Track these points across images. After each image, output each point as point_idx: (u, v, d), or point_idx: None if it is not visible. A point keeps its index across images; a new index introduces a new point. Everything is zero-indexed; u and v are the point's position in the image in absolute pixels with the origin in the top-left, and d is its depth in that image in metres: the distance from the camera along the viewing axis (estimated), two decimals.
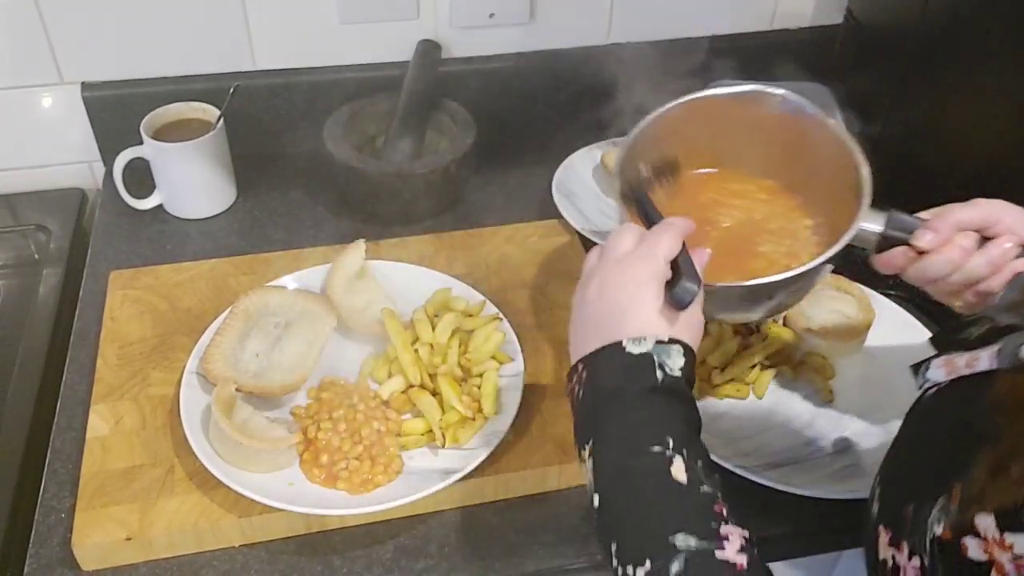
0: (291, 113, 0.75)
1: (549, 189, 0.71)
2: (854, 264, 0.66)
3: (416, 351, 0.55)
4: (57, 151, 0.74)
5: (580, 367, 0.38)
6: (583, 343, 0.38)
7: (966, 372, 0.35)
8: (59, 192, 0.74)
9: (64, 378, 0.57)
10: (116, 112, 0.71)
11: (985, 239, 0.42)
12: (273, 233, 0.70)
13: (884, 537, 0.35)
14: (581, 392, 0.38)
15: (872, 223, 0.43)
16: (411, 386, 0.53)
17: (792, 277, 0.42)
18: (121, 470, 0.50)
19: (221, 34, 0.71)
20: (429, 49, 0.73)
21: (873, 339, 0.60)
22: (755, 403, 0.57)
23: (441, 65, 0.74)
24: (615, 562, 0.34)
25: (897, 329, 0.60)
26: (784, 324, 0.61)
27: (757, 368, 0.58)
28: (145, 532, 0.47)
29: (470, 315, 0.58)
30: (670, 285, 0.38)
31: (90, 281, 0.64)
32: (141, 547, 0.47)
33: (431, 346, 0.55)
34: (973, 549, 0.30)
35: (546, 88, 0.78)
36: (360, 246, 0.62)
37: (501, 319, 0.57)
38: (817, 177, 0.48)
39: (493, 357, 0.55)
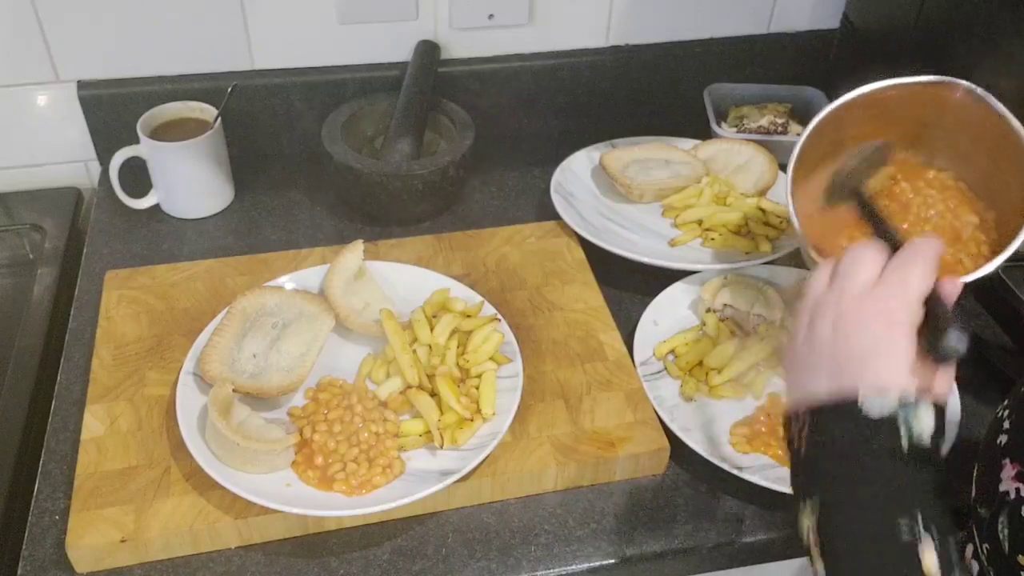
0: (289, 113, 0.75)
1: (547, 190, 0.71)
2: None
3: (414, 352, 0.54)
4: (53, 150, 0.73)
5: (803, 417, 0.33)
6: (809, 384, 0.33)
7: None
8: (54, 191, 0.73)
9: (59, 378, 0.57)
10: (112, 111, 0.71)
11: None
12: (271, 233, 0.70)
13: (1010, 470, 0.32)
14: (803, 448, 0.33)
15: None
16: (409, 387, 0.53)
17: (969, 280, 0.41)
18: (116, 471, 0.50)
19: (219, 33, 0.70)
20: (428, 50, 0.73)
21: None
22: (753, 404, 0.57)
23: (440, 66, 0.74)
24: None
25: None
26: (781, 326, 0.61)
27: (756, 369, 0.58)
28: (140, 534, 0.47)
29: (468, 316, 0.58)
30: (925, 331, 0.32)
31: (85, 281, 0.64)
32: (136, 549, 0.47)
33: (429, 347, 0.55)
34: None
35: (545, 89, 0.78)
36: (358, 246, 0.62)
37: (499, 320, 0.57)
38: (991, 162, 0.47)
39: (491, 358, 0.55)
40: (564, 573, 0.48)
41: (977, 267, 0.45)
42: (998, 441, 0.35)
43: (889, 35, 0.73)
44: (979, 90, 0.46)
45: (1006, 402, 0.37)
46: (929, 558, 0.29)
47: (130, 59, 0.70)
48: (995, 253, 0.45)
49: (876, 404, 0.31)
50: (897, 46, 0.72)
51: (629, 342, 0.59)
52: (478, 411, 0.52)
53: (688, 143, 0.77)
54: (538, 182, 0.75)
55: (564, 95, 0.79)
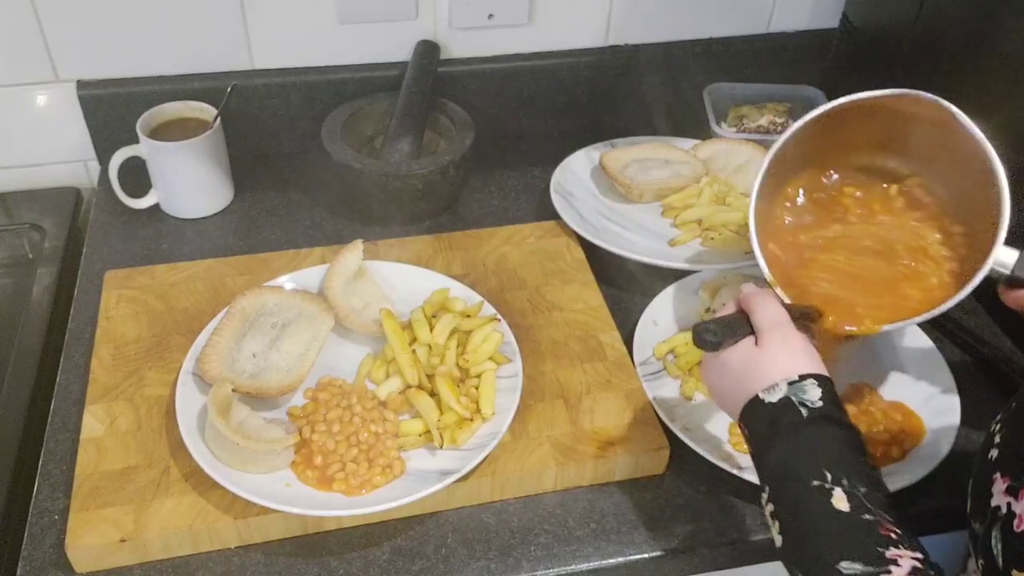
0: (289, 113, 0.75)
1: (547, 190, 0.71)
2: None
3: (414, 352, 0.54)
4: (52, 149, 0.73)
5: (742, 426, 0.42)
6: (732, 407, 0.43)
7: None
8: (54, 191, 0.73)
9: (58, 378, 0.57)
10: (112, 111, 0.71)
11: None
12: (270, 233, 0.70)
13: (1000, 484, 0.36)
14: (752, 447, 0.41)
15: (1005, 259, 0.44)
16: (409, 387, 0.53)
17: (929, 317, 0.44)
18: (116, 471, 0.50)
19: (219, 33, 0.70)
20: (428, 50, 0.73)
21: (876, 346, 0.60)
22: None
23: (440, 66, 0.74)
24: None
25: (897, 332, 0.61)
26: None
27: None
28: (140, 534, 0.47)
29: (468, 316, 0.58)
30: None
31: (85, 281, 0.64)
32: (136, 549, 0.47)
33: (429, 347, 0.55)
34: None
35: (544, 89, 0.78)
36: (358, 246, 0.62)
37: (499, 320, 0.57)
38: (953, 187, 0.48)
39: (491, 358, 0.55)
40: (564, 573, 0.48)
41: (943, 283, 0.46)
42: (990, 456, 0.37)
43: (888, 35, 0.73)
44: (944, 103, 0.47)
45: (999, 416, 0.39)
46: (840, 503, 0.35)
47: (130, 59, 0.70)
48: (963, 267, 0.46)
49: (771, 396, 0.40)
50: (896, 46, 0.72)
51: (629, 342, 0.59)
52: (478, 411, 0.52)
53: (688, 143, 0.77)
54: (538, 182, 0.75)
55: (564, 95, 0.79)
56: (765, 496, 0.39)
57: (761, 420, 0.40)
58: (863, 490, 0.36)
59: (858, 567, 0.33)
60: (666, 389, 0.57)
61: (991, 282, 0.46)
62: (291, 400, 0.54)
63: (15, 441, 0.53)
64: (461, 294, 0.60)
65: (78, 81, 0.70)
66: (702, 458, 0.52)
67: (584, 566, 0.49)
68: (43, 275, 0.65)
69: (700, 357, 0.58)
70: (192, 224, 0.70)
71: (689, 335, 0.59)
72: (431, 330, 0.56)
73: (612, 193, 0.73)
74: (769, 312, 0.43)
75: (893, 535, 0.35)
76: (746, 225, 0.68)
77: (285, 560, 0.48)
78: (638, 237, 0.69)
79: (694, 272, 0.64)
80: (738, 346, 0.43)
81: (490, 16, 0.74)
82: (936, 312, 0.45)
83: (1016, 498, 0.34)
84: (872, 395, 0.56)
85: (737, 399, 0.42)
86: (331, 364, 0.56)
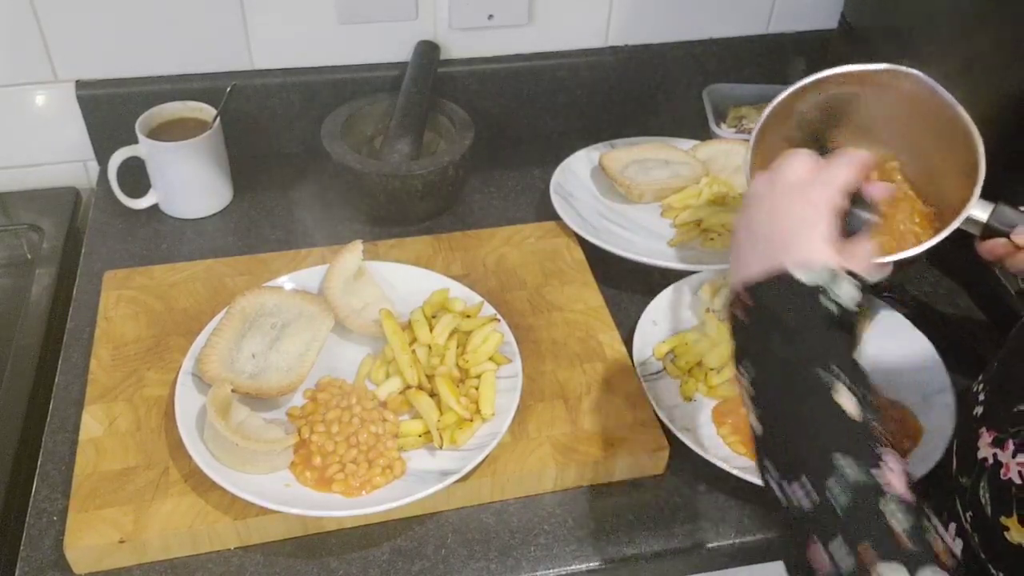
0: (288, 113, 0.75)
1: (547, 191, 0.71)
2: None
3: (414, 352, 0.54)
4: (51, 150, 0.73)
5: (744, 293, 0.37)
6: (745, 267, 0.37)
7: None
8: (53, 191, 0.73)
9: (57, 379, 0.57)
10: (111, 111, 0.71)
11: None
12: (270, 233, 0.70)
13: (986, 437, 0.36)
14: (745, 318, 0.37)
15: (979, 212, 0.46)
16: (409, 387, 0.53)
17: (906, 257, 0.45)
18: (115, 472, 0.50)
19: (218, 33, 0.70)
20: (428, 50, 0.73)
21: (869, 341, 0.60)
22: None
23: (440, 66, 0.74)
24: (770, 479, 0.34)
25: (893, 332, 0.61)
26: None
27: None
28: (139, 534, 0.46)
29: (468, 316, 0.58)
30: (845, 216, 0.37)
31: (84, 281, 0.64)
32: (135, 550, 0.47)
33: (429, 347, 0.55)
34: None
35: (544, 89, 0.78)
36: (358, 247, 0.61)
37: (499, 320, 0.57)
38: (934, 155, 0.50)
39: (491, 358, 0.55)
40: (563, 573, 0.48)
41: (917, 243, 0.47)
42: (975, 413, 0.38)
43: (887, 35, 0.73)
44: (927, 78, 0.48)
45: (981, 377, 0.41)
46: (841, 397, 0.33)
47: (129, 59, 0.70)
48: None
49: (804, 275, 0.35)
50: (895, 46, 0.72)
51: (628, 342, 0.59)
52: (477, 411, 0.52)
53: (687, 143, 0.77)
54: (537, 182, 0.75)
55: (563, 95, 0.79)
56: (748, 371, 0.36)
57: (780, 295, 0.35)
58: (862, 390, 0.34)
59: (851, 463, 0.32)
60: (666, 390, 0.57)
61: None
62: (291, 400, 0.54)
63: (14, 441, 0.53)
64: (461, 294, 0.60)
65: (77, 81, 0.70)
66: (701, 458, 0.52)
67: (584, 566, 0.49)
68: (42, 275, 0.65)
69: (699, 358, 0.58)
70: (191, 224, 0.70)
71: (689, 335, 0.59)
72: (431, 330, 0.56)
73: (612, 193, 0.73)
74: (848, 178, 0.37)
75: (884, 439, 0.34)
76: None
77: (285, 561, 0.48)
78: (638, 237, 0.69)
79: (694, 272, 0.64)
80: (809, 202, 0.36)
81: (490, 16, 0.74)
82: (920, 249, 0.46)
83: (1002, 448, 0.35)
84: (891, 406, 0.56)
85: (760, 261, 0.36)
86: (331, 364, 0.56)
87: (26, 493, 0.50)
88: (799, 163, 0.39)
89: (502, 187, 0.75)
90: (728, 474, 0.51)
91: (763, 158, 0.51)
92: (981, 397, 0.39)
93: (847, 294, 0.35)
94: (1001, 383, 0.38)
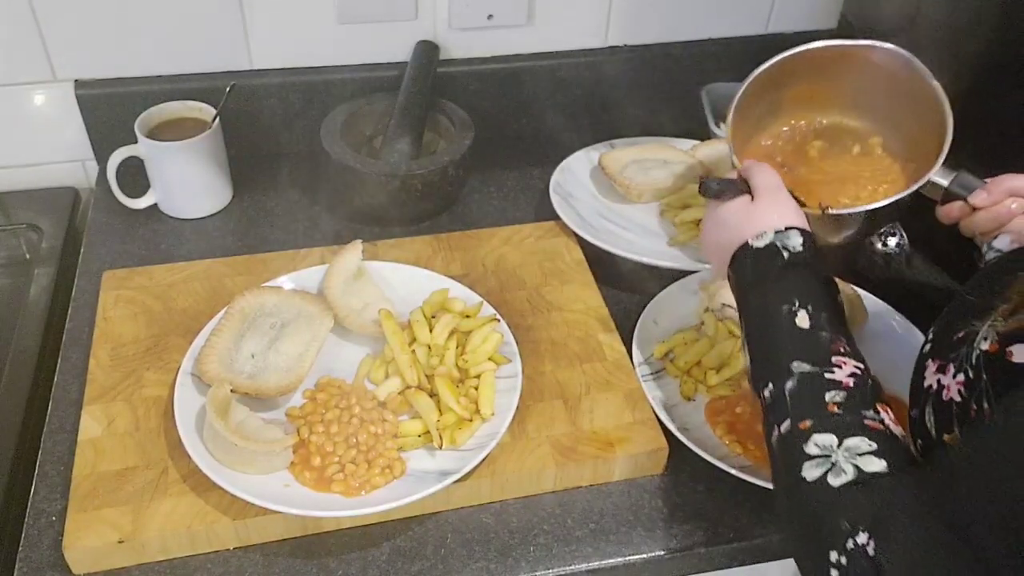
0: (288, 113, 0.75)
1: (546, 190, 0.71)
2: (850, 265, 0.67)
3: (413, 352, 0.54)
4: (50, 149, 0.73)
5: (729, 274, 0.47)
6: (723, 255, 0.48)
7: None
8: (52, 191, 0.73)
9: (56, 379, 0.57)
10: (110, 110, 0.71)
11: None
12: (269, 233, 0.69)
13: (932, 368, 0.40)
14: (736, 291, 0.47)
15: (941, 178, 0.51)
16: (408, 387, 0.53)
17: (868, 210, 0.52)
18: (114, 472, 0.49)
19: (218, 32, 0.70)
20: (427, 50, 0.73)
21: (865, 340, 0.60)
22: None
23: (439, 66, 0.74)
24: (756, 391, 0.43)
25: (889, 329, 0.61)
26: None
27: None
28: (138, 535, 0.46)
29: (467, 316, 0.58)
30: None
31: (83, 281, 0.64)
32: (134, 550, 0.47)
33: (428, 347, 0.55)
34: (1019, 354, 0.34)
35: (544, 89, 0.78)
36: (357, 246, 0.61)
37: (499, 320, 0.57)
38: (906, 125, 0.55)
39: (490, 358, 0.55)
40: (563, 573, 0.48)
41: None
42: (923, 350, 0.42)
43: (886, 35, 0.73)
44: (905, 52, 0.54)
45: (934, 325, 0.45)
46: (800, 319, 0.42)
47: (128, 58, 0.70)
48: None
49: (759, 242, 0.46)
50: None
51: (628, 342, 0.59)
52: (477, 411, 0.52)
53: (687, 143, 0.77)
54: (537, 182, 0.75)
55: (563, 95, 0.79)
56: (743, 329, 0.45)
57: (748, 263, 0.46)
58: (824, 315, 0.42)
59: (806, 366, 0.40)
60: (665, 389, 0.57)
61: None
62: (290, 401, 0.54)
63: (12, 442, 0.53)
64: (460, 294, 0.60)
65: (76, 81, 0.70)
66: (700, 458, 0.52)
67: (583, 566, 0.49)
68: (41, 275, 0.65)
69: (698, 358, 0.59)
70: (191, 224, 0.70)
71: (688, 335, 0.60)
72: (430, 330, 0.56)
73: (611, 193, 0.73)
74: (765, 176, 0.49)
75: (842, 349, 0.41)
76: None
77: (284, 561, 0.48)
78: (637, 237, 0.69)
79: (693, 272, 0.64)
80: (736, 200, 0.49)
81: (490, 16, 0.74)
82: (877, 204, 0.52)
83: (944, 373, 0.39)
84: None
85: (729, 248, 0.47)
86: (330, 365, 0.56)
87: (25, 493, 0.50)
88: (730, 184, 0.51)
89: (501, 187, 0.75)
90: (727, 474, 0.51)
91: (742, 136, 0.58)
92: (929, 336, 0.42)
93: (794, 240, 0.45)
94: (947, 319, 0.41)
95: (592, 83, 0.79)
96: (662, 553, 0.49)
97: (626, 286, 0.65)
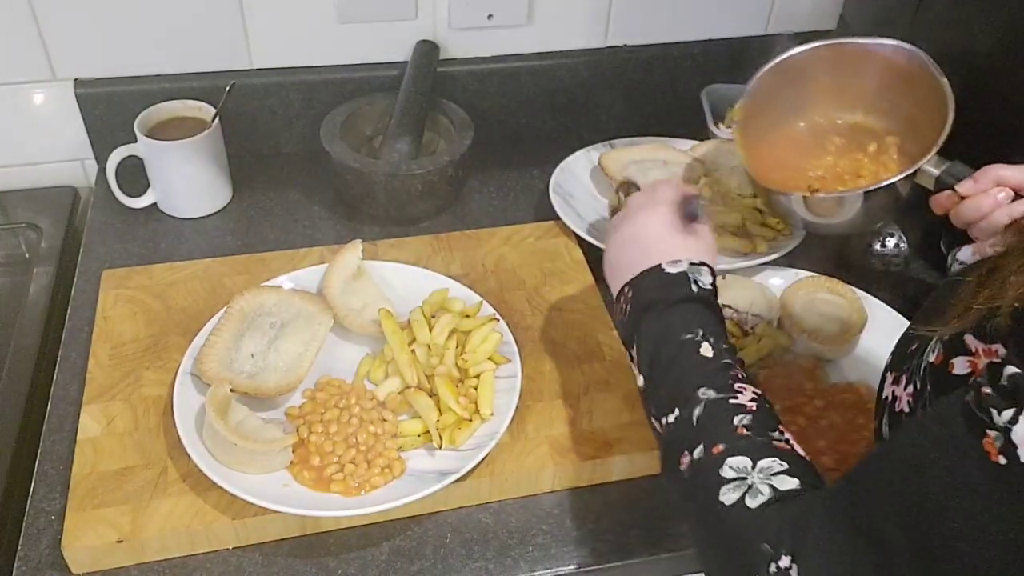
0: (288, 112, 0.75)
1: (546, 190, 0.71)
2: (850, 267, 0.67)
3: (413, 352, 0.54)
4: (49, 148, 0.73)
5: (626, 289, 0.47)
6: (624, 272, 0.48)
7: (991, 253, 0.40)
8: (51, 190, 0.73)
9: (55, 378, 0.57)
10: (110, 109, 0.71)
11: (1020, 197, 0.49)
12: (269, 233, 0.69)
13: (889, 379, 0.41)
14: (628, 308, 0.47)
15: (933, 167, 0.52)
16: (408, 387, 0.53)
17: (862, 192, 0.54)
18: (113, 471, 0.49)
19: (218, 32, 0.70)
20: (427, 50, 0.73)
21: (866, 340, 0.60)
22: None
23: (439, 66, 0.74)
24: (654, 420, 0.43)
25: (890, 331, 0.60)
26: (777, 326, 0.61)
27: (753, 368, 0.58)
28: (137, 534, 0.46)
29: (467, 316, 0.58)
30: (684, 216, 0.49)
31: (82, 280, 0.64)
32: (133, 549, 0.47)
33: (428, 347, 0.55)
34: (959, 366, 0.34)
35: (544, 89, 0.78)
36: (357, 246, 0.61)
37: (498, 320, 0.57)
38: (921, 125, 0.56)
39: (490, 358, 0.55)
40: (561, 573, 0.48)
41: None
42: (886, 362, 0.43)
43: (885, 36, 0.73)
44: (914, 49, 0.56)
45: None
46: (704, 350, 0.43)
47: (128, 57, 0.70)
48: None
49: (672, 268, 0.46)
50: None
51: None
52: (476, 411, 0.52)
53: (686, 143, 0.77)
54: (537, 182, 0.75)
55: (563, 95, 0.79)
56: (634, 347, 0.46)
57: (653, 285, 0.46)
58: (724, 346, 0.44)
59: (712, 393, 0.41)
60: None
61: None
62: (289, 400, 0.54)
63: (12, 441, 0.53)
64: (460, 294, 0.60)
65: (75, 80, 0.70)
66: None
67: (581, 566, 0.49)
68: (40, 274, 0.65)
69: None
70: (190, 223, 0.70)
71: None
72: (430, 330, 0.56)
73: (611, 193, 0.73)
74: (689, 206, 0.50)
75: (740, 376, 0.42)
76: (743, 226, 0.68)
77: (283, 560, 0.48)
78: None
79: None
80: (661, 216, 0.48)
81: (490, 16, 0.74)
82: (883, 184, 0.54)
83: (898, 385, 0.39)
84: (872, 394, 0.56)
85: (636, 265, 0.47)
86: (330, 364, 0.56)
87: (24, 493, 0.50)
88: (639, 196, 0.51)
89: (501, 187, 0.75)
90: None
91: (755, 132, 0.60)
92: (891, 350, 0.43)
93: (705, 278, 0.46)
94: (906, 332, 0.42)
95: (592, 83, 0.79)
96: (661, 553, 0.49)
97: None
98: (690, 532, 0.41)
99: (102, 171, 0.70)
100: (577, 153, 0.75)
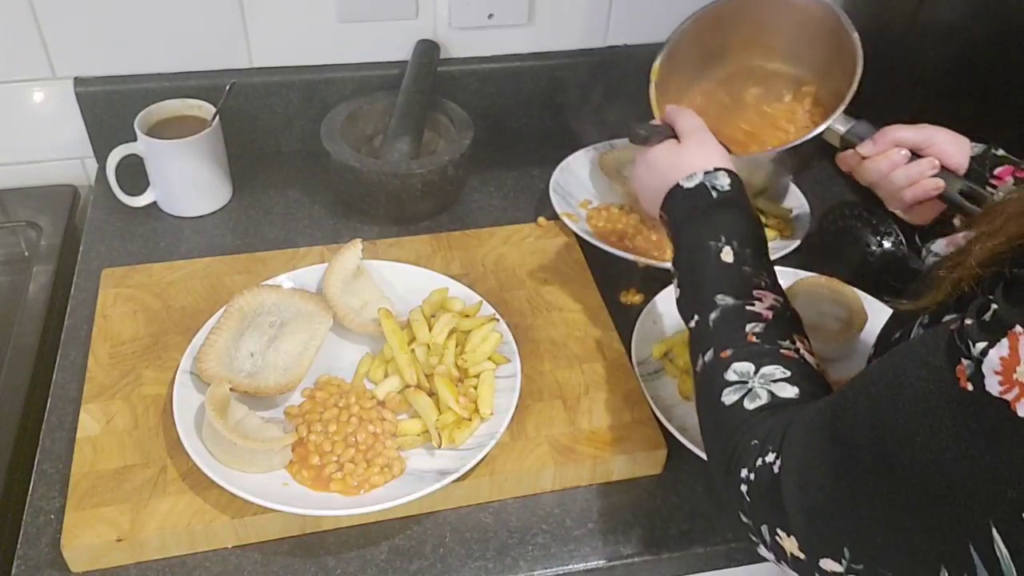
0: (288, 111, 0.75)
1: (546, 190, 0.71)
2: (850, 267, 0.67)
3: (413, 351, 0.54)
4: (49, 147, 0.73)
5: (662, 215, 0.50)
6: (656, 201, 0.50)
7: (963, 244, 0.40)
8: (51, 188, 0.73)
9: (54, 377, 0.56)
10: (110, 108, 0.71)
11: (917, 157, 0.50)
12: (269, 232, 0.69)
13: None
14: (669, 233, 0.50)
15: (839, 125, 0.53)
16: (407, 386, 0.53)
17: (773, 152, 0.56)
18: (112, 470, 0.49)
19: (218, 31, 0.70)
20: (428, 49, 0.73)
21: (866, 340, 0.60)
22: None
23: (439, 65, 0.74)
24: (684, 322, 0.46)
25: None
26: None
27: None
28: (136, 533, 0.46)
29: (467, 315, 0.58)
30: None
31: (82, 279, 0.64)
32: (132, 548, 0.47)
33: (428, 346, 0.55)
34: None
35: (544, 89, 0.78)
36: (357, 245, 0.61)
37: (498, 320, 0.57)
38: (835, 76, 0.56)
39: (490, 358, 0.55)
40: (561, 573, 0.48)
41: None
42: (870, 353, 0.43)
43: (885, 34, 0.73)
44: (835, 6, 0.56)
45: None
46: (725, 254, 0.45)
47: (128, 56, 0.70)
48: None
49: (689, 183, 0.48)
50: (893, 45, 0.72)
51: (627, 342, 0.59)
52: (476, 411, 0.52)
53: None
54: (537, 182, 0.75)
55: (563, 95, 0.79)
56: (674, 265, 0.48)
57: (679, 203, 0.48)
58: (748, 250, 0.45)
59: (729, 299, 0.43)
60: (664, 389, 0.57)
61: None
62: (289, 399, 0.54)
63: (11, 440, 0.53)
64: (460, 294, 0.60)
65: (75, 78, 0.70)
66: (699, 458, 0.52)
67: (581, 566, 0.49)
68: (39, 273, 0.65)
69: None
70: (190, 222, 0.70)
71: (686, 335, 0.60)
72: (430, 330, 0.56)
73: (611, 193, 0.73)
74: (689, 120, 0.52)
75: (763, 283, 0.44)
76: None
77: (282, 560, 0.48)
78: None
79: None
80: (663, 144, 0.51)
81: (490, 16, 0.74)
82: (794, 143, 0.55)
83: None
84: None
85: (661, 191, 0.49)
86: (329, 364, 0.56)
87: (23, 491, 0.50)
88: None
89: (501, 187, 0.75)
90: None
91: (677, 85, 0.60)
92: (875, 341, 0.44)
93: (722, 180, 0.47)
94: (888, 323, 0.43)
95: (592, 83, 0.79)
96: (661, 553, 0.49)
97: (626, 286, 0.65)
98: (699, 423, 0.44)
99: (102, 170, 0.70)
100: (577, 153, 0.75)
